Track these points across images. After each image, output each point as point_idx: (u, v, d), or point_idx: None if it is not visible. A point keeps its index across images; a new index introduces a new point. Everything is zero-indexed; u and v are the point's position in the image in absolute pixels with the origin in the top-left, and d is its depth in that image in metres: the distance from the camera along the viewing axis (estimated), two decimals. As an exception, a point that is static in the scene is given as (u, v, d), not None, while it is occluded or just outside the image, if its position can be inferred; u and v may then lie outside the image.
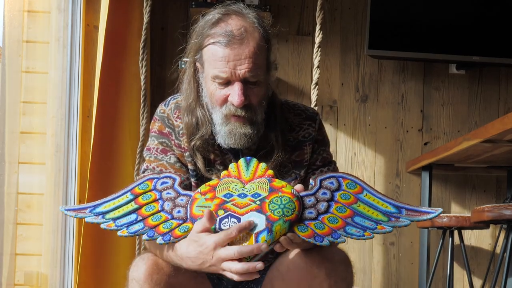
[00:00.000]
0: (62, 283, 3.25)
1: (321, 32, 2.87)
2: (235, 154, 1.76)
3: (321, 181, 1.56)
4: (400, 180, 3.80)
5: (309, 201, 1.52)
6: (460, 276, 3.77)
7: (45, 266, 3.28)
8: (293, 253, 1.66)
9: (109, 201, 1.61)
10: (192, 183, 1.78)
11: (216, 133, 1.72)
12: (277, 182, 1.55)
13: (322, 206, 1.51)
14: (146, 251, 1.72)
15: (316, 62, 2.88)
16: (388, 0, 3.68)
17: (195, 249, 1.51)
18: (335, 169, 1.85)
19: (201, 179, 1.77)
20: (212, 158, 1.77)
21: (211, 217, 1.48)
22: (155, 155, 1.79)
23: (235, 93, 1.65)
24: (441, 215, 3.23)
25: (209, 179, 1.77)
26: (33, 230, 3.28)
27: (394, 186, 3.80)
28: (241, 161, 1.61)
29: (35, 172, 3.28)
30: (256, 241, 1.45)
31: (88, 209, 1.60)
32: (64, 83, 3.31)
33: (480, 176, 3.82)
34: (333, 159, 1.88)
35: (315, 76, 2.89)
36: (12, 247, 3.25)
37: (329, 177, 1.57)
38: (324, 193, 1.54)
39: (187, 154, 1.77)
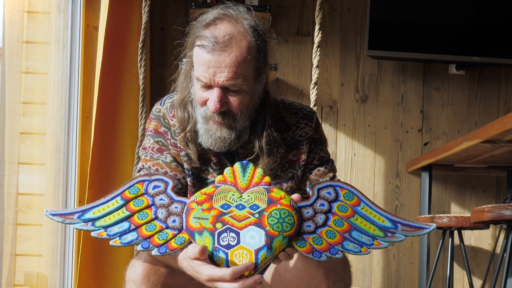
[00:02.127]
0: (62, 284, 3.25)
1: (320, 31, 2.87)
2: (229, 155, 1.76)
3: (318, 190, 1.54)
4: (400, 181, 3.80)
5: (307, 212, 1.50)
6: (460, 276, 3.77)
7: (45, 266, 3.28)
8: (291, 253, 1.66)
9: (98, 206, 1.54)
10: (188, 183, 1.77)
11: (198, 130, 1.73)
12: (275, 193, 1.51)
13: (320, 219, 1.50)
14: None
15: (315, 61, 2.88)
16: (388, 1, 3.67)
17: (190, 270, 1.47)
18: (333, 168, 1.85)
19: (197, 179, 1.77)
20: (208, 157, 1.77)
21: (203, 252, 1.42)
22: (151, 154, 1.78)
23: (211, 100, 1.65)
24: (441, 215, 3.24)
25: (205, 178, 1.76)
26: (33, 231, 3.28)
27: (394, 186, 3.80)
28: (237, 165, 1.55)
29: (35, 172, 3.29)
30: (256, 259, 1.42)
31: (76, 215, 1.52)
32: (64, 84, 3.31)
33: (480, 177, 3.82)
34: (331, 158, 1.88)
35: (314, 76, 2.89)
36: (12, 248, 3.25)
37: (327, 186, 1.55)
38: (322, 205, 1.52)
39: (183, 153, 1.77)
